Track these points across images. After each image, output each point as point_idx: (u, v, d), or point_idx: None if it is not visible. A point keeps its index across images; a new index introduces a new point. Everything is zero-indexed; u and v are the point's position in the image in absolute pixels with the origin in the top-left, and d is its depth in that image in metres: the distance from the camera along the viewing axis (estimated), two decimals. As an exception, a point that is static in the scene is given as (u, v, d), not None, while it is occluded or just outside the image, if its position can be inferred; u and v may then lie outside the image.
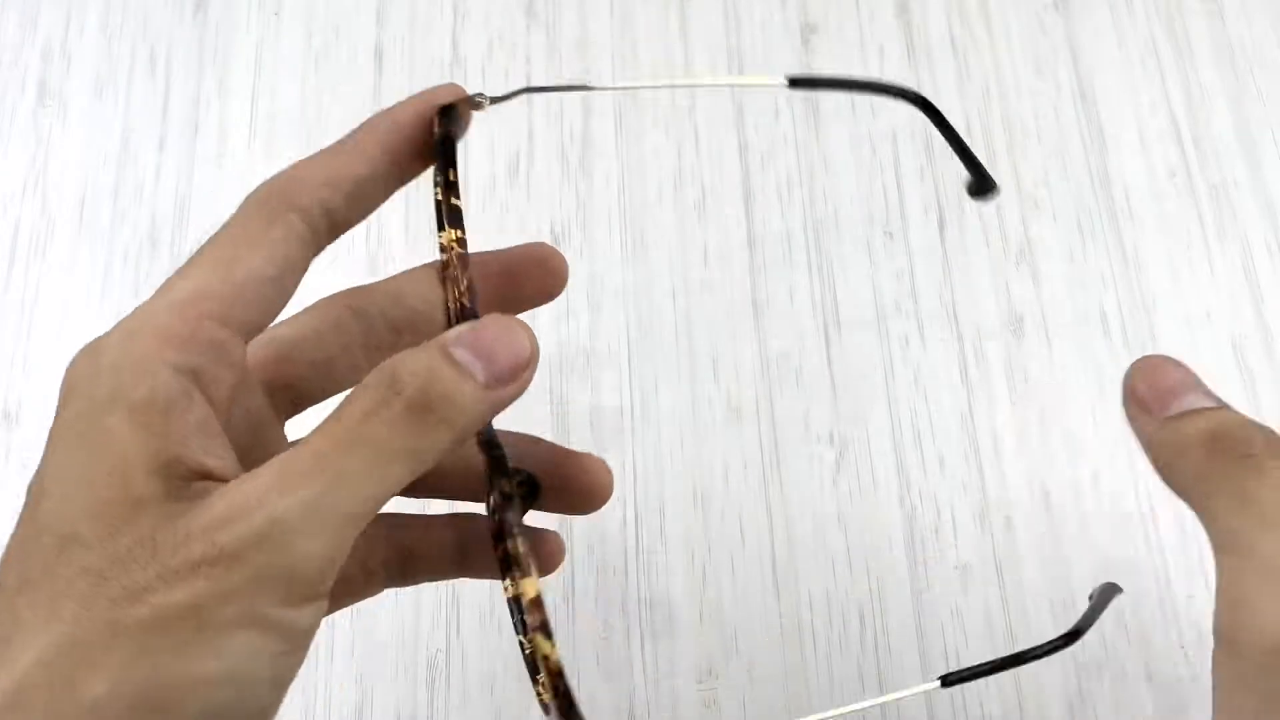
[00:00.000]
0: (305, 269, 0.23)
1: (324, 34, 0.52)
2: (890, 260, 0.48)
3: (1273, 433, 0.21)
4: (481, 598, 0.42)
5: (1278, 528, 0.20)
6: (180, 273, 0.22)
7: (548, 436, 0.44)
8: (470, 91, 0.23)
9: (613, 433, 0.44)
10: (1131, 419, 0.23)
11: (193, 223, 0.48)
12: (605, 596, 0.42)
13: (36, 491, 0.20)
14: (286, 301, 0.22)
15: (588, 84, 0.45)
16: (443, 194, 0.22)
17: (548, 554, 0.30)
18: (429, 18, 0.52)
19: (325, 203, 0.23)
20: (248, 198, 0.24)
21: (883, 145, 0.50)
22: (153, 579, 0.19)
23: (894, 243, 0.48)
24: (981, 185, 0.32)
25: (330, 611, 0.26)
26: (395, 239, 0.48)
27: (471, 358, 0.21)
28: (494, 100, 0.26)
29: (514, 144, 0.50)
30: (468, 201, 0.49)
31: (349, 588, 0.28)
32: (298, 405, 0.26)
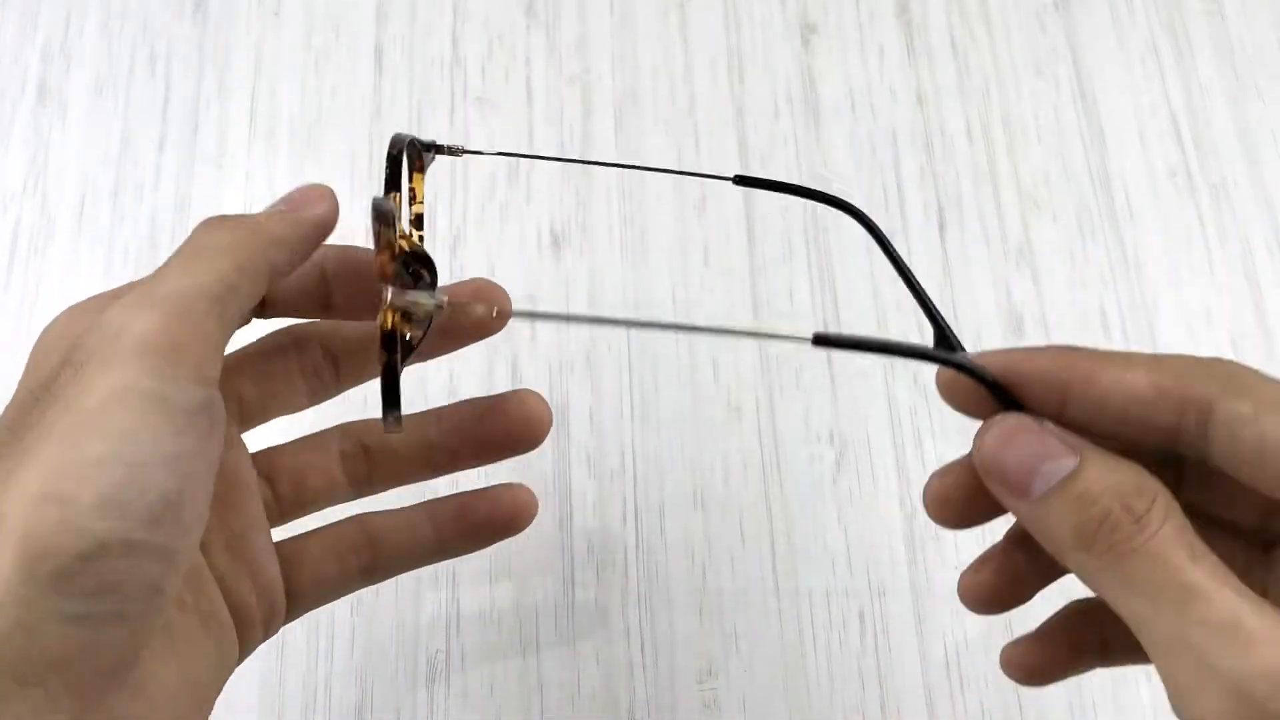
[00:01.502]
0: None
1: (324, 34, 0.52)
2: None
3: (1129, 483, 0.21)
4: (481, 597, 0.42)
5: (1163, 601, 0.19)
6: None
7: (548, 436, 0.44)
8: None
9: (613, 433, 0.44)
10: (997, 496, 0.23)
11: (193, 223, 0.48)
12: (605, 596, 0.42)
13: None
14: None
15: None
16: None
17: (521, 504, 0.31)
18: (429, 18, 0.52)
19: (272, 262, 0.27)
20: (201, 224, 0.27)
21: (883, 145, 0.50)
22: (34, 417, 0.22)
23: (894, 243, 0.48)
24: (944, 344, 0.32)
25: (311, 607, 0.29)
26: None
27: (276, 204, 0.26)
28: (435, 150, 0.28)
29: (514, 144, 0.50)
30: (468, 201, 0.49)
31: (326, 586, 0.30)
32: (245, 421, 0.29)
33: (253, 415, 0.29)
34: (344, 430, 0.31)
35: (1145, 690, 0.41)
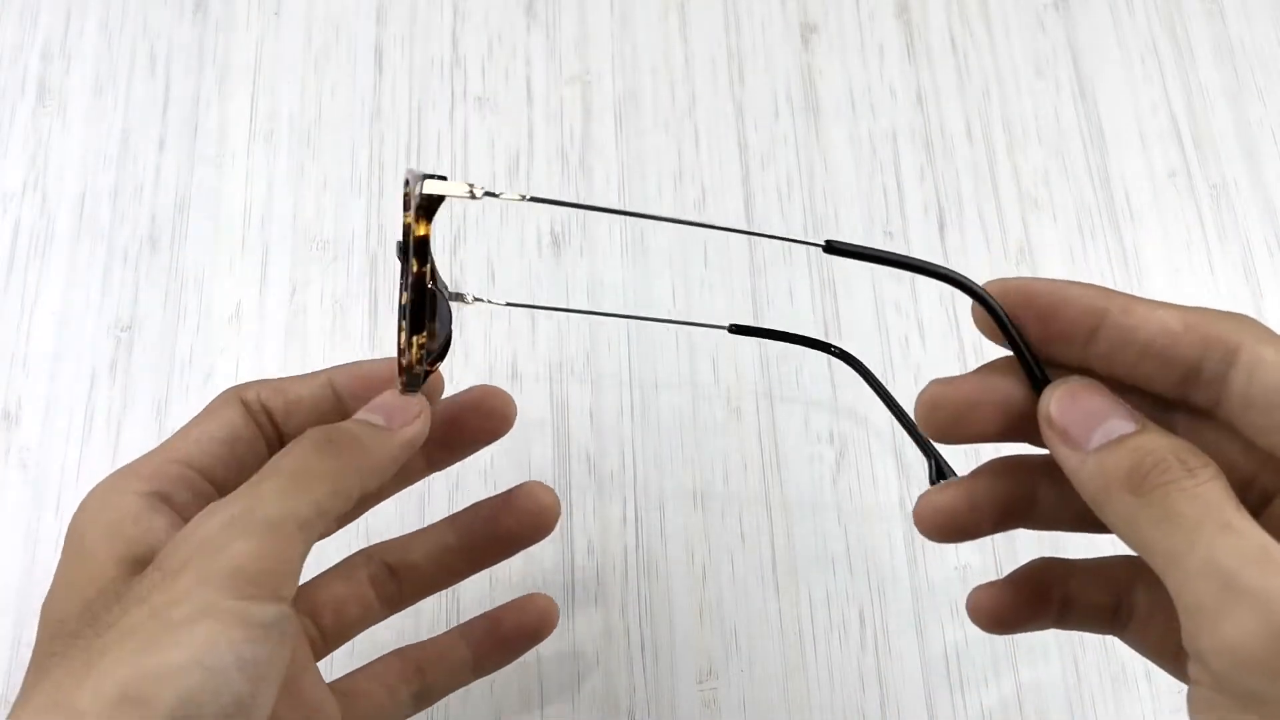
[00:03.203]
0: (253, 436, 0.29)
1: (324, 34, 0.52)
2: (890, 260, 0.48)
3: (1185, 447, 0.22)
4: (482, 597, 0.42)
5: (1201, 531, 0.21)
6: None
7: (548, 436, 0.44)
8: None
9: (613, 433, 0.44)
10: (1052, 448, 0.24)
11: (193, 223, 0.48)
12: (605, 596, 0.42)
13: (43, 605, 0.25)
14: (236, 462, 0.28)
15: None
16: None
17: (542, 611, 0.34)
18: (429, 18, 0.52)
19: (265, 401, 0.29)
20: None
21: (883, 145, 0.50)
22: (115, 614, 0.23)
23: (894, 243, 0.48)
24: (943, 478, 0.35)
25: None
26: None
27: (373, 414, 0.28)
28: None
29: (514, 144, 0.50)
30: (468, 201, 0.48)
31: (383, 716, 0.32)
32: (328, 644, 0.32)
33: (334, 639, 0.32)
34: (366, 555, 0.33)
35: (1145, 690, 0.41)
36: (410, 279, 0.25)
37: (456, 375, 0.45)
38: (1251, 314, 0.23)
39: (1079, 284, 0.24)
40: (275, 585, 0.24)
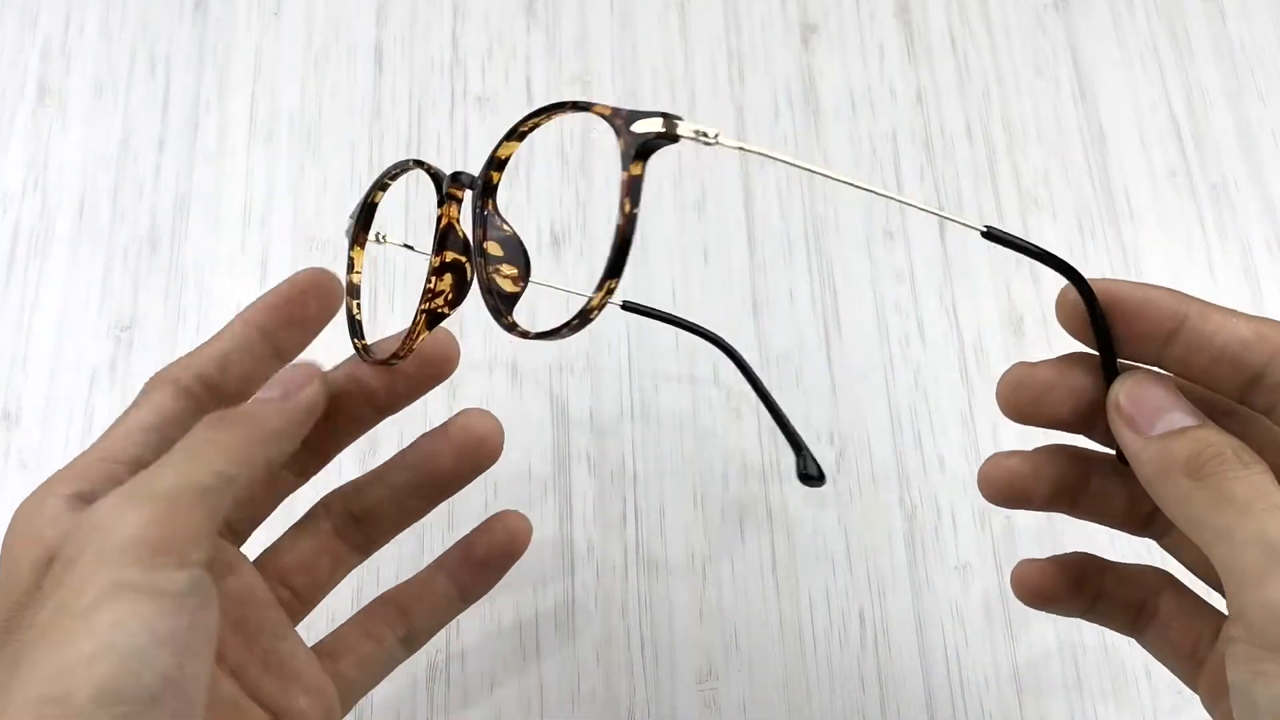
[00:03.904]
0: (186, 416, 0.28)
1: (324, 34, 0.52)
2: (890, 260, 0.48)
3: (1240, 444, 0.24)
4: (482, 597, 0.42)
5: (1252, 509, 0.23)
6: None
7: (548, 436, 0.44)
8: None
9: (613, 433, 0.44)
10: (1117, 432, 0.26)
11: (192, 222, 0.48)
12: (605, 596, 0.42)
13: None
14: (168, 445, 0.27)
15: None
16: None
17: (514, 529, 0.34)
18: (429, 18, 0.52)
19: (197, 371, 0.29)
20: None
21: (883, 145, 0.50)
22: (30, 616, 0.23)
23: (894, 243, 0.48)
24: (806, 474, 0.37)
25: (365, 689, 0.32)
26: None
27: (267, 389, 0.28)
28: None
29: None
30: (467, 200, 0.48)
31: (372, 666, 0.32)
32: (305, 605, 0.32)
33: (310, 598, 0.32)
34: (325, 505, 0.32)
35: (1145, 690, 0.41)
36: (624, 218, 0.24)
37: (456, 374, 0.45)
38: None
39: (1159, 287, 0.26)
40: (181, 551, 0.23)
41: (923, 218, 0.48)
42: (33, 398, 0.45)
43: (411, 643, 0.33)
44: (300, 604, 0.31)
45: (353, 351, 0.31)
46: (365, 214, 0.33)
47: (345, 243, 0.33)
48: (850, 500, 0.44)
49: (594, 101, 0.25)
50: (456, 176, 0.29)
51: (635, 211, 0.24)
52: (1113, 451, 0.28)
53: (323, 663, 0.31)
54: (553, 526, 0.43)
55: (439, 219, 0.29)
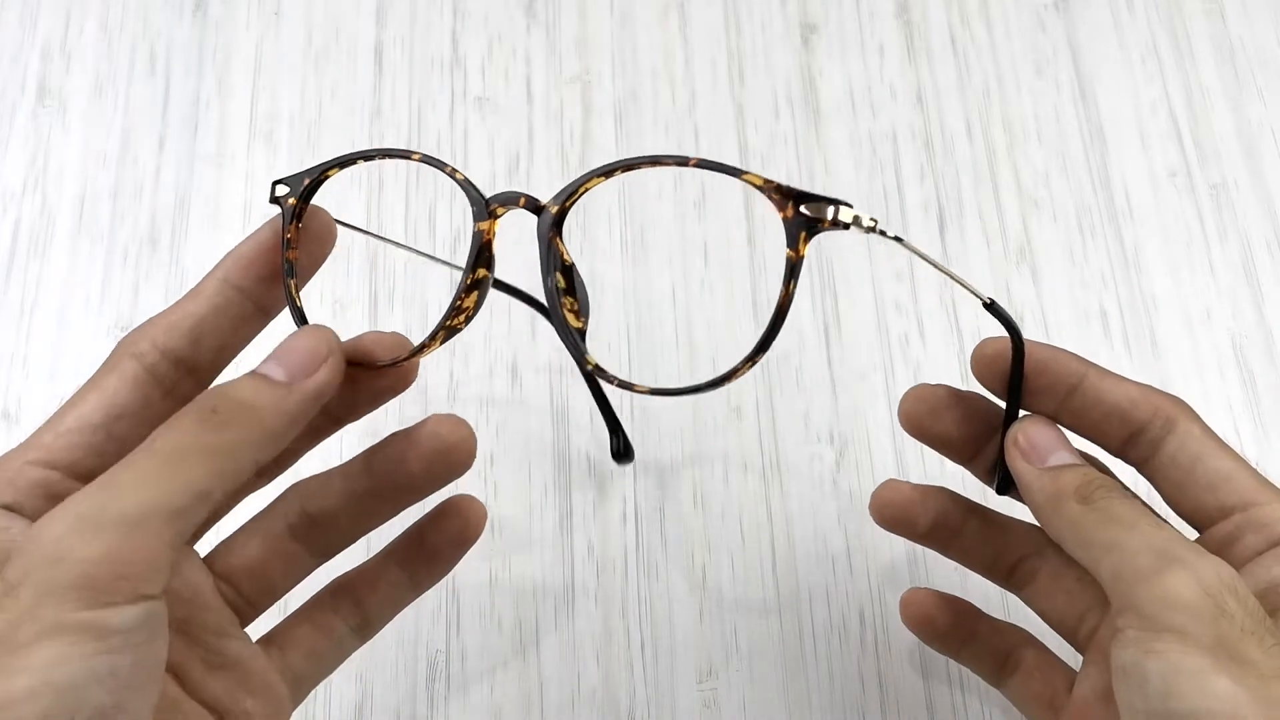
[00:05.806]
0: (144, 405, 0.26)
1: (324, 34, 0.52)
2: (890, 260, 0.48)
3: (1120, 480, 0.29)
4: (482, 597, 0.42)
5: (1139, 524, 0.26)
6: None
7: (547, 436, 0.44)
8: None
9: (613, 433, 0.44)
10: (1013, 464, 0.29)
11: (193, 223, 0.48)
12: (605, 596, 0.42)
13: None
14: (115, 444, 0.25)
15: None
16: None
17: (465, 513, 0.32)
18: (429, 18, 0.52)
19: (164, 346, 0.26)
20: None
21: (883, 145, 0.50)
22: None
23: (894, 242, 0.48)
24: (616, 451, 0.41)
25: (316, 681, 0.30)
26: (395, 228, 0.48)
27: (273, 366, 0.25)
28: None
29: (514, 143, 0.50)
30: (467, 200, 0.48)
31: (323, 657, 0.30)
32: (253, 608, 0.30)
33: (261, 601, 0.30)
34: (285, 501, 0.30)
35: (1145, 690, 0.41)
36: (784, 296, 0.27)
37: (457, 374, 0.45)
38: (1252, 313, 0.24)
39: (1064, 350, 0.30)
40: (135, 585, 0.21)
41: (923, 218, 0.48)
42: (33, 398, 0.45)
43: (365, 632, 0.31)
44: (250, 608, 0.29)
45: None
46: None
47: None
48: (850, 500, 0.44)
49: (743, 169, 0.26)
50: (516, 198, 0.28)
51: (794, 290, 0.27)
52: (991, 488, 0.32)
53: (271, 655, 0.29)
54: (553, 526, 0.43)
55: (480, 234, 0.28)
